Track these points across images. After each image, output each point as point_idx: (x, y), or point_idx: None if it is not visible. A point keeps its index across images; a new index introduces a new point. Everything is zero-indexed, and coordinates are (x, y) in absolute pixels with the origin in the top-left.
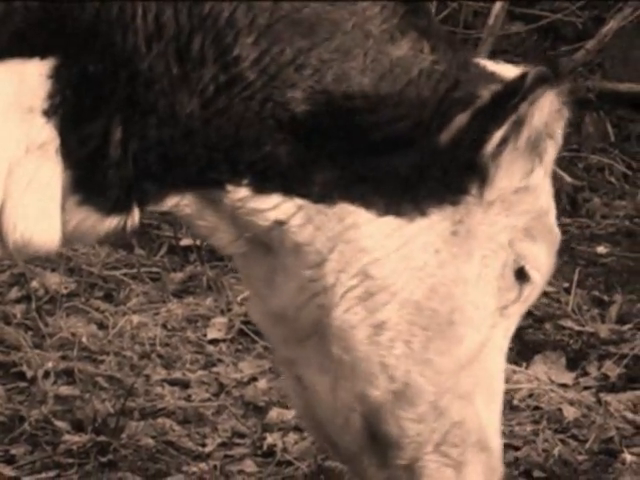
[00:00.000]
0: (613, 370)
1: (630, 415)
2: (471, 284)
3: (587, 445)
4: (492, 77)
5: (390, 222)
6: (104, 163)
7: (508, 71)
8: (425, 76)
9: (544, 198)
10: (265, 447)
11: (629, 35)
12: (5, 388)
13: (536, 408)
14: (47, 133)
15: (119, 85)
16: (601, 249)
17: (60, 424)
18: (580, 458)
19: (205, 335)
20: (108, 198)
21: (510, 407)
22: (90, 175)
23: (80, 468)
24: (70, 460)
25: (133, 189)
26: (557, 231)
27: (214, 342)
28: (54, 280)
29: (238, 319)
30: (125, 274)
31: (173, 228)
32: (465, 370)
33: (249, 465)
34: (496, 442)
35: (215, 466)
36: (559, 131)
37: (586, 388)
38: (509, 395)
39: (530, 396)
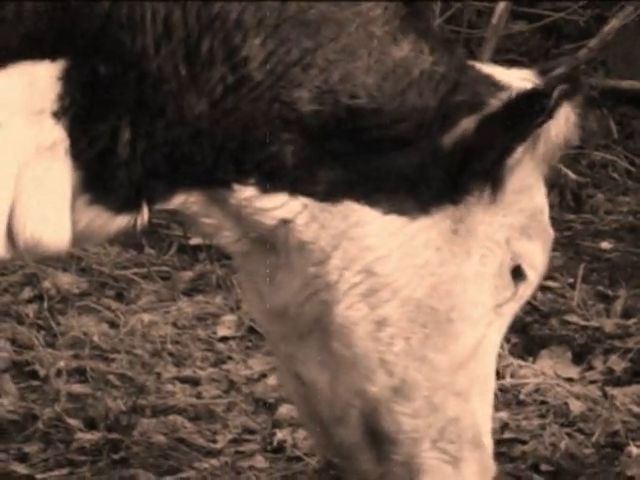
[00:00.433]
0: (618, 364)
1: (636, 408)
2: (470, 282)
3: (593, 438)
4: (489, 80)
5: (394, 220)
6: (113, 163)
7: (502, 74)
8: (426, 77)
9: (539, 197)
10: (275, 443)
11: (631, 33)
12: (18, 387)
13: (542, 402)
14: (57, 134)
15: (128, 86)
16: (605, 245)
17: (72, 422)
18: (587, 451)
19: (215, 333)
20: (118, 197)
21: (517, 402)
22: (99, 175)
23: (92, 465)
24: (83, 457)
25: (142, 188)
26: (551, 230)
27: (224, 340)
28: (66, 280)
29: (247, 317)
30: (136, 273)
31: (183, 227)
32: (461, 367)
33: (259, 461)
34: (488, 440)
35: (226, 462)
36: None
37: (592, 382)
38: (516, 390)
39: (537, 391)
